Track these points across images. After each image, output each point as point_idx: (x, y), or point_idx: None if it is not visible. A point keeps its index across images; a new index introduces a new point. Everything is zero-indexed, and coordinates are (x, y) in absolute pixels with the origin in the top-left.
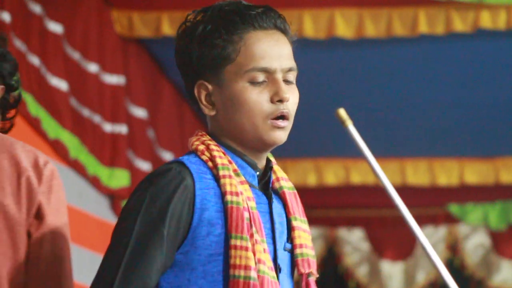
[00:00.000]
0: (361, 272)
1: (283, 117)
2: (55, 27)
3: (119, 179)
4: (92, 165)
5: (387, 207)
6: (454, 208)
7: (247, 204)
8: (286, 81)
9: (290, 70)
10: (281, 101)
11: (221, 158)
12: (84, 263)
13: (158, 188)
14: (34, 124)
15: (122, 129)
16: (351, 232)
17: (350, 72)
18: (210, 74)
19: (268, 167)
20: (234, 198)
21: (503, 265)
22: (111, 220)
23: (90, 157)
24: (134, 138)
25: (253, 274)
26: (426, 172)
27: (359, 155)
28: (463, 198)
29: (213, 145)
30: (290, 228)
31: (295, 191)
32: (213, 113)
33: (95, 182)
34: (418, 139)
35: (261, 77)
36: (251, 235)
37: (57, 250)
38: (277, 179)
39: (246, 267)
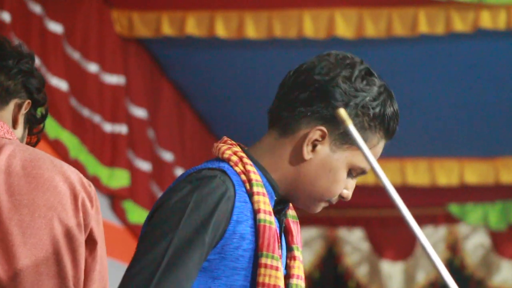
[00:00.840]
0: (361, 272)
1: (332, 203)
2: (55, 27)
3: (119, 179)
4: (92, 165)
5: (387, 207)
6: (454, 208)
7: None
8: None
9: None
10: (342, 197)
11: (255, 173)
12: None
13: (203, 195)
14: None
15: (122, 129)
16: (351, 232)
17: None
18: (337, 138)
19: (287, 198)
20: (268, 217)
21: (503, 265)
22: (111, 220)
23: (90, 157)
24: (134, 138)
25: None
26: (426, 172)
27: None
28: (463, 198)
29: (246, 159)
30: (288, 256)
31: (298, 221)
32: (308, 158)
33: (95, 182)
34: (418, 139)
35: (356, 174)
36: (280, 256)
37: (105, 273)
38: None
39: (275, 287)
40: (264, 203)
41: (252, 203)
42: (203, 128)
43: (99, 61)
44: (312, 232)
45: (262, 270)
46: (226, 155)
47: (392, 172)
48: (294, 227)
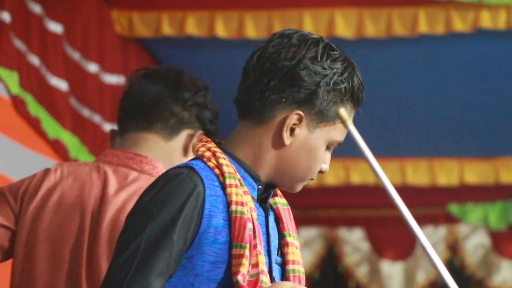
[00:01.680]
0: (361, 272)
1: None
2: (55, 27)
3: None
4: None
5: (387, 207)
6: (454, 208)
7: (251, 215)
8: None
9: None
10: (321, 171)
11: (228, 166)
12: None
13: (169, 193)
14: (34, 124)
15: None
16: (351, 232)
17: None
18: (314, 116)
19: (271, 185)
20: (239, 208)
21: (503, 265)
22: None
23: (90, 157)
24: None
25: (240, 278)
26: (426, 172)
27: (359, 155)
28: (463, 198)
29: (219, 153)
30: (281, 243)
31: (289, 207)
32: (287, 143)
33: None
34: (418, 139)
35: (333, 147)
36: (255, 246)
37: None
38: (273, 195)
39: (236, 273)
40: (237, 194)
41: (225, 195)
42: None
43: (99, 61)
44: (312, 232)
45: (233, 261)
46: (200, 152)
47: (392, 172)
48: (285, 214)
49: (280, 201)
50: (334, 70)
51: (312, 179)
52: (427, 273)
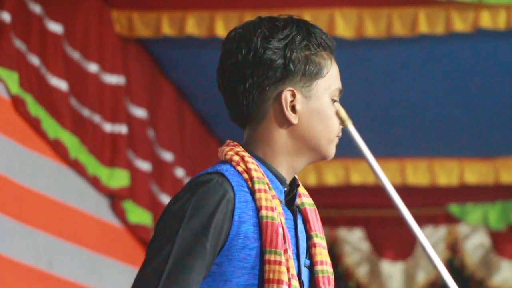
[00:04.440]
0: (361, 272)
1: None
2: (55, 27)
3: (119, 179)
4: (92, 165)
5: (387, 207)
6: (454, 208)
7: (280, 220)
8: None
9: None
10: (342, 124)
11: (256, 171)
12: (84, 263)
13: (201, 199)
14: (34, 124)
15: (122, 129)
16: (351, 232)
17: (350, 72)
18: (302, 84)
19: (295, 184)
20: (270, 213)
21: (503, 265)
22: (111, 220)
23: (90, 157)
24: (134, 138)
25: (284, 287)
26: (426, 172)
27: (359, 155)
28: (463, 198)
29: (247, 157)
30: (309, 245)
31: (315, 207)
32: (296, 121)
33: (95, 182)
34: (418, 139)
35: (337, 96)
36: (285, 251)
37: None
38: (299, 195)
39: (279, 282)
40: (266, 199)
41: (254, 201)
42: (203, 128)
43: (99, 61)
44: None
45: (267, 267)
46: (228, 156)
47: (392, 172)
48: (312, 214)
49: (307, 201)
50: (289, 34)
51: (339, 136)
52: (427, 273)
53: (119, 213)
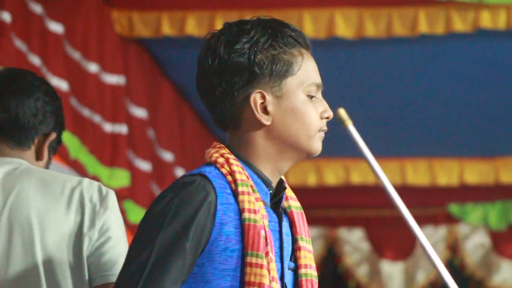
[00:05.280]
0: (361, 272)
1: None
2: (56, 27)
3: (119, 179)
4: (92, 165)
5: (387, 207)
6: (454, 208)
7: (263, 222)
8: None
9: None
10: (327, 118)
11: (240, 173)
12: None
13: (183, 201)
14: None
15: (122, 129)
16: (351, 232)
17: (350, 72)
18: (271, 84)
19: (282, 187)
20: (252, 216)
21: (503, 265)
22: None
23: (90, 157)
24: (134, 138)
25: None
26: (426, 172)
27: (359, 155)
28: (463, 198)
29: (232, 159)
30: (294, 248)
31: (302, 211)
32: (269, 122)
33: None
34: (418, 139)
35: (314, 92)
36: (267, 253)
37: None
38: (286, 198)
39: (260, 285)
40: (249, 202)
41: (237, 203)
42: (203, 128)
43: (99, 61)
44: (312, 232)
45: (248, 269)
46: (213, 158)
47: (392, 172)
48: (299, 218)
49: (294, 205)
50: (253, 36)
51: (324, 130)
52: (427, 273)
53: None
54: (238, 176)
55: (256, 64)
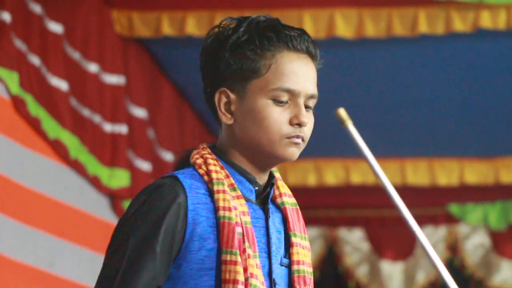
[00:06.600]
0: (361, 272)
1: (297, 137)
2: (55, 27)
3: (119, 179)
4: (92, 165)
5: (387, 207)
6: (454, 208)
7: (240, 219)
8: (306, 107)
9: (312, 97)
10: (299, 124)
11: (217, 172)
12: (84, 263)
13: (151, 205)
14: (34, 124)
15: (122, 129)
16: (351, 232)
17: (350, 72)
18: (235, 83)
19: (270, 183)
20: (227, 214)
21: (503, 265)
22: (111, 220)
23: (90, 157)
24: (134, 138)
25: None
26: (426, 172)
27: (359, 155)
28: (463, 198)
29: (210, 159)
30: (289, 244)
31: (297, 207)
32: (230, 122)
33: (95, 182)
34: (418, 139)
35: (285, 97)
36: (244, 250)
37: None
38: (280, 195)
39: (235, 281)
40: (224, 200)
41: (213, 202)
42: (203, 128)
43: (99, 61)
44: (312, 232)
45: (223, 267)
46: (193, 160)
47: (392, 172)
48: (293, 214)
49: (288, 201)
50: (228, 36)
51: (294, 136)
52: (427, 273)
53: (120, 213)
54: (214, 175)
55: (223, 63)
